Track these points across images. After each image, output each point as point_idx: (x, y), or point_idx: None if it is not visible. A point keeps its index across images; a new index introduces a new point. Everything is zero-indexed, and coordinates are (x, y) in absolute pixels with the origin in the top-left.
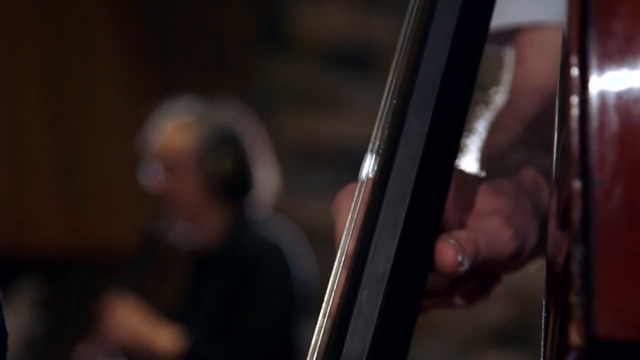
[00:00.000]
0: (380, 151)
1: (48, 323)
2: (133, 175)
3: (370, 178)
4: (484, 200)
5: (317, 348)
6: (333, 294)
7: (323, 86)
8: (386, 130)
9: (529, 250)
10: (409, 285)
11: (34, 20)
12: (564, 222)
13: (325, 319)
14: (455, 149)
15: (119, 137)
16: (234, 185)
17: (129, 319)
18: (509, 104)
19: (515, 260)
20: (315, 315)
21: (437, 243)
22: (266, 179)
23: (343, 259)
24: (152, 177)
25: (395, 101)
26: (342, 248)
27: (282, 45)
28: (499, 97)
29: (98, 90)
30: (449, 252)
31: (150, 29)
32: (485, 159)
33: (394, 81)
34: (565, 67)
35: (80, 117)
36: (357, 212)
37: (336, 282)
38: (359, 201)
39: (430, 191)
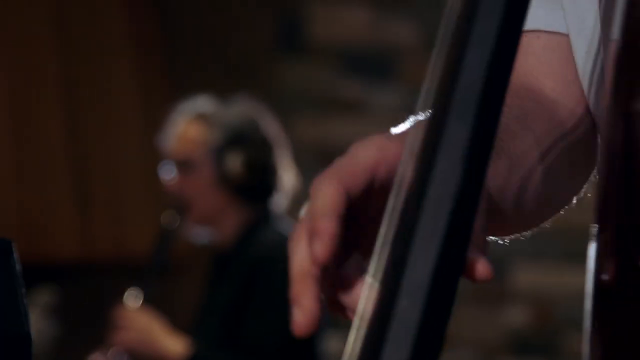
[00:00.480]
0: (418, 158)
1: (61, 330)
2: (148, 179)
3: (402, 184)
4: None
5: (351, 358)
6: (366, 301)
7: (341, 89)
8: (423, 138)
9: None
10: (446, 293)
11: (50, 22)
12: None
13: (359, 328)
14: (489, 153)
15: (135, 140)
16: (252, 186)
17: (140, 323)
18: None
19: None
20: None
21: (471, 253)
22: (285, 181)
23: (376, 269)
24: (167, 176)
25: (432, 108)
26: (373, 260)
27: (299, 48)
28: None
29: (114, 91)
30: (485, 265)
31: (167, 31)
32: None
33: (430, 88)
34: None
35: (96, 119)
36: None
37: (369, 289)
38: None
39: (468, 196)
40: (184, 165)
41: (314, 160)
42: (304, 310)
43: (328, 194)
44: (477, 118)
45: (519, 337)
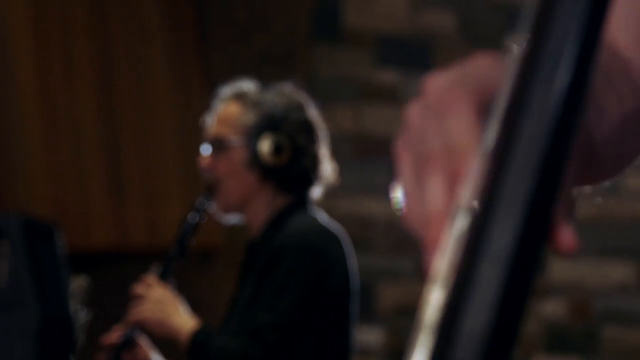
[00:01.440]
0: (501, 122)
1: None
2: (182, 167)
3: (488, 148)
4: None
5: (429, 324)
6: (446, 268)
7: (378, 78)
8: (507, 101)
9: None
10: (528, 262)
11: (86, 10)
12: None
13: (438, 295)
14: (577, 120)
15: (169, 128)
16: (285, 171)
17: (156, 294)
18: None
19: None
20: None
21: (559, 224)
22: (324, 171)
23: (457, 235)
24: (202, 157)
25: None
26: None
27: (336, 36)
28: None
29: (148, 79)
30: (572, 238)
31: (203, 18)
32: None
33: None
34: None
35: (130, 107)
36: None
37: (450, 255)
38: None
39: (555, 163)
40: (218, 145)
41: (350, 149)
42: (436, 257)
43: (468, 120)
44: (567, 83)
45: (556, 331)
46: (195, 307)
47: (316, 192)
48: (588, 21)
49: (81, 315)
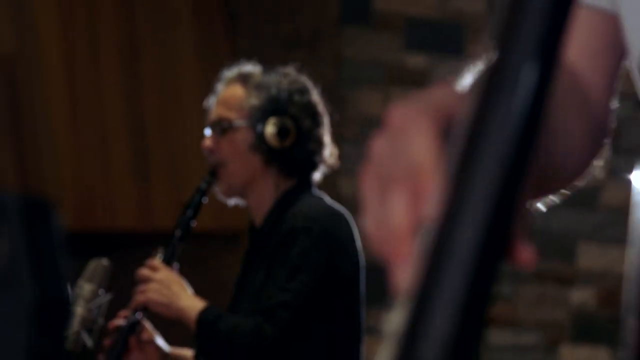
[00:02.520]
0: (462, 137)
1: (119, 297)
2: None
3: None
4: None
5: (395, 323)
6: (410, 285)
7: (407, 62)
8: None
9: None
10: (488, 271)
11: None
12: None
13: (404, 301)
14: (537, 136)
15: (194, 111)
16: (288, 153)
17: (161, 275)
18: None
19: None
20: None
21: (517, 241)
22: (326, 155)
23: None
24: (205, 139)
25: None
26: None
27: (365, 19)
28: None
29: (174, 62)
30: (530, 254)
31: (231, 0)
32: None
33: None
34: None
35: (155, 90)
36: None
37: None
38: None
39: (515, 176)
40: (222, 126)
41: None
42: (401, 273)
43: (428, 141)
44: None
45: (584, 320)
46: (219, 289)
47: (318, 175)
48: (548, 38)
49: (101, 297)
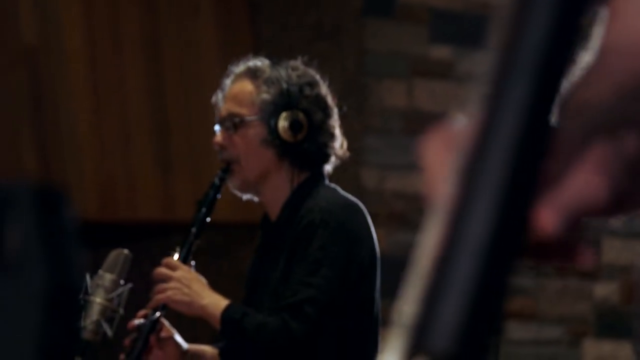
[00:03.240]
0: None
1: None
2: None
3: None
4: (569, 148)
5: (406, 314)
6: (426, 254)
7: (431, 54)
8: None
9: (629, 200)
10: (505, 255)
11: None
12: None
13: (418, 282)
14: (550, 115)
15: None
16: (301, 147)
17: (181, 273)
18: (599, 63)
19: (612, 214)
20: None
21: (538, 207)
22: (336, 147)
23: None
24: (217, 135)
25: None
26: (437, 209)
27: (389, 11)
28: (586, 55)
29: (196, 52)
30: (549, 219)
31: None
32: (568, 111)
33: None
34: None
35: (178, 80)
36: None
37: (430, 240)
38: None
39: (531, 155)
40: (234, 122)
41: (401, 125)
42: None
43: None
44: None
45: (607, 314)
46: (238, 280)
47: (329, 167)
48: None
49: (121, 287)
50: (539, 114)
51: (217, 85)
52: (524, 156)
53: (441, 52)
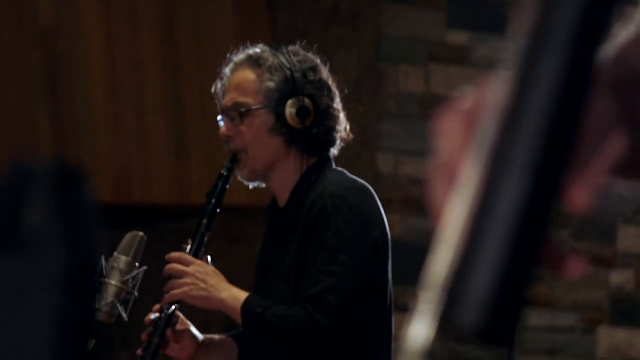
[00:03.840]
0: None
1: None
2: None
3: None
4: (602, 127)
5: (435, 283)
6: (455, 226)
7: (448, 40)
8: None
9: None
10: (536, 226)
11: None
12: None
13: (444, 253)
14: (586, 91)
15: None
16: (308, 133)
17: (196, 267)
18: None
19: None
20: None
21: (572, 184)
22: (340, 131)
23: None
24: (223, 125)
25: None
26: (464, 181)
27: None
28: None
29: (213, 36)
30: (583, 198)
31: None
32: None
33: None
34: None
35: (194, 64)
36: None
37: (459, 214)
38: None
39: (564, 131)
40: (239, 112)
41: (417, 110)
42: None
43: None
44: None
45: (622, 302)
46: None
47: (335, 151)
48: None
49: (136, 269)
50: (572, 89)
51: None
52: (557, 130)
53: (458, 37)
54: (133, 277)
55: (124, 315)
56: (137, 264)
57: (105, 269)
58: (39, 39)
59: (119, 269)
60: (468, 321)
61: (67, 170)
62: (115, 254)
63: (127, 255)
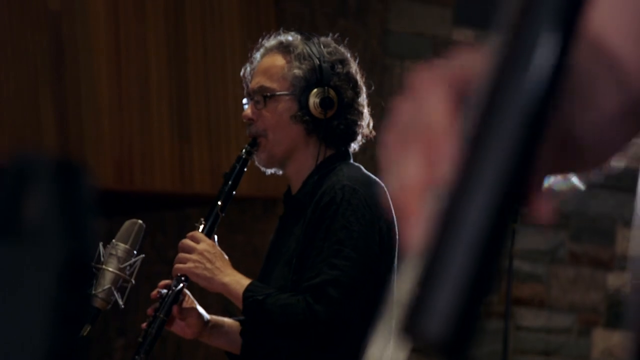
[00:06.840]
0: (478, 105)
1: (155, 258)
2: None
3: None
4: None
5: (401, 299)
6: (421, 244)
7: (455, 36)
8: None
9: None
10: (498, 242)
11: None
12: None
13: (411, 271)
14: (551, 106)
15: (236, 74)
16: (329, 123)
17: (204, 247)
18: None
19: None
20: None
21: (534, 195)
22: (363, 126)
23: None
24: (247, 108)
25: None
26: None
27: None
28: None
29: (218, 25)
30: (548, 209)
31: None
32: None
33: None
34: None
35: (198, 52)
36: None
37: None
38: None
39: (528, 148)
40: (264, 96)
41: None
42: (414, 228)
43: (444, 103)
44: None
45: (620, 305)
46: (254, 255)
47: (356, 145)
48: (564, 14)
49: (134, 257)
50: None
51: (238, 57)
52: (522, 149)
53: (464, 34)
54: (131, 265)
55: (121, 302)
56: (135, 252)
57: (103, 256)
58: (44, 23)
59: (117, 256)
60: (433, 333)
61: (68, 161)
62: (113, 241)
63: (125, 243)
